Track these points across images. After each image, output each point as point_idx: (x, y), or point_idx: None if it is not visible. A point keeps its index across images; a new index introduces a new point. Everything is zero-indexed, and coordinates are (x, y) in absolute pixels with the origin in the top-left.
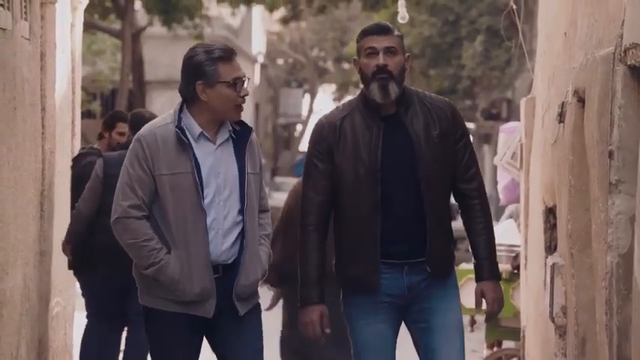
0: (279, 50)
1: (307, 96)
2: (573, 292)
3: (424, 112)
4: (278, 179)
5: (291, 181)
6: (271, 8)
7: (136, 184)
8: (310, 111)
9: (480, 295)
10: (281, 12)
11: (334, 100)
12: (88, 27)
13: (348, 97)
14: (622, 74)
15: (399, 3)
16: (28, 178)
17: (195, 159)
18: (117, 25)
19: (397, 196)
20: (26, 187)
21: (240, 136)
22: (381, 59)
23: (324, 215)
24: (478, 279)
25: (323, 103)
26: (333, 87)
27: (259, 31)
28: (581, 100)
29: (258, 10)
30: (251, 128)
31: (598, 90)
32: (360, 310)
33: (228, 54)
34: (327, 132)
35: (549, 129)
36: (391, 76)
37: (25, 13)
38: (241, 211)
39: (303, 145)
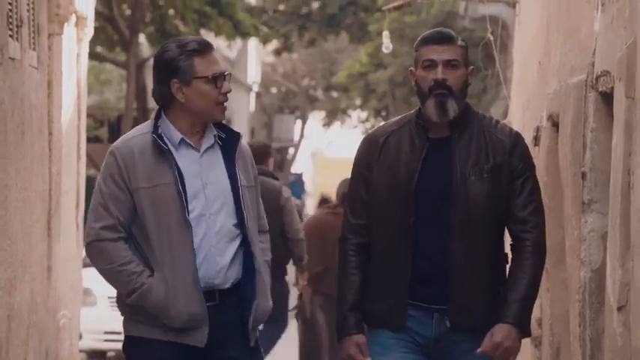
0: (272, 80)
1: (299, 122)
2: (548, 304)
3: (480, 141)
4: None
5: None
6: (265, 41)
7: (110, 203)
8: (301, 136)
9: (490, 339)
10: (274, 44)
11: (324, 125)
12: (95, 58)
13: (337, 124)
14: (594, 100)
15: (384, 34)
16: (35, 198)
17: (178, 168)
18: (122, 57)
19: (430, 230)
20: (34, 207)
21: (228, 143)
22: (439, 73)
23: (364, 239)
24: (498, 319)
25: (313, 128)
26: (322, 113)
27: (254, 62)
28: (555, 125)
29: (253, 43)
30: (239, 134)
31: (571, 115)
32: (381, 347)
33: (203, 46)
34: (369, 147)
35: None
36: (451, 92)
37: (34, 43)
38: (238, 226)
39: (295, 167)
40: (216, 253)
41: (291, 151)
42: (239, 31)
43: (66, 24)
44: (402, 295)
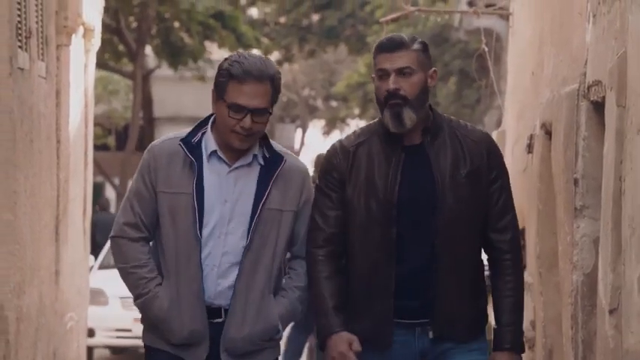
0: None
1: (299, 130)
2: (541, 307)
3: (454, 144)
4: None
5: None
6: (267, 52)
7: (135, 200)
8: (302, 143)
9: None
10: (275, 56)
11: (323, 134)
12: (103, 68)
13: (336, 132)
14: (585, 109)
15: None
16: (44, 204)
17: (200, 179)
18: (129, 68)
19: (413, 241)
20: (42, 213)
21: (271, 165)
22: (391, 83)
23: (337, 247)
24: (496, 347)
25: (313, 136)
26: (322, 122)
27: None
28: (548, 133)
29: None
30: (282, 157)
31: (564, 123)
32: None
33: (244, 75)
34: (340, 159)
35: (519, 159)
36: (406, 101)
37: (42, 54)
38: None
39: None
40: (218, 274)
41: None
42: (242, 42)
43: (74, 35)
44: (387, 313)
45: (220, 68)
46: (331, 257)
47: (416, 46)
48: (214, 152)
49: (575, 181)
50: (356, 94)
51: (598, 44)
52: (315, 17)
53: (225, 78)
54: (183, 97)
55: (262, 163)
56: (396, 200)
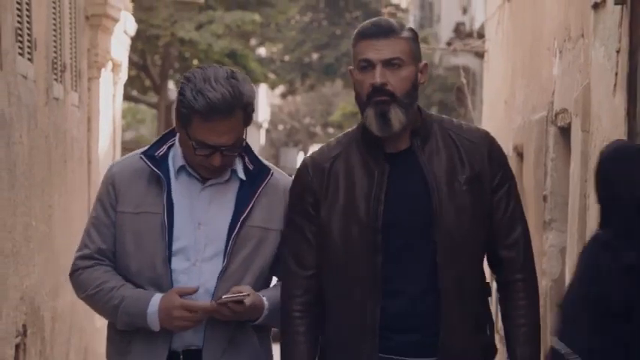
0: (279, 118)
1: (301, 153)
2: None
3: (448, 147)
4: None
5: None
6: (273, 86)
7: (92, 229)
8: None
9: None
10: (281, 89)
11: None
12: (132, 100)
13: None
14: (553, 134)
15: None
16: (76, 218)
17: (170, 198)
18: (154, 99)
19: (406, 267)
20: (74, 225)
21: (255, 178)
22: (377, 76)
23: (313, 295)
24: None
25: None
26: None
27: (264, 103)
28: (520, 155)
29: (263, 88)
30: (269, 170)
31: (534, 146)
32: None
33: (211, 113)
34: (312, 178)
35: None
36: (394, 98)
37: (75, 85)
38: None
39: None
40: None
41: None
42: (251, 77)
43: (103, 69)
44: (370, 348)
45: (182, 92)
46: (308, 309)
47: (406, 33)
48: (183, 167)
49: (544, 198)
50: (350, 122)
51: (564, 76)
52: (315, 56)
53: (187, 110)
54: None
55: (243, 177)
56: (380, 223)
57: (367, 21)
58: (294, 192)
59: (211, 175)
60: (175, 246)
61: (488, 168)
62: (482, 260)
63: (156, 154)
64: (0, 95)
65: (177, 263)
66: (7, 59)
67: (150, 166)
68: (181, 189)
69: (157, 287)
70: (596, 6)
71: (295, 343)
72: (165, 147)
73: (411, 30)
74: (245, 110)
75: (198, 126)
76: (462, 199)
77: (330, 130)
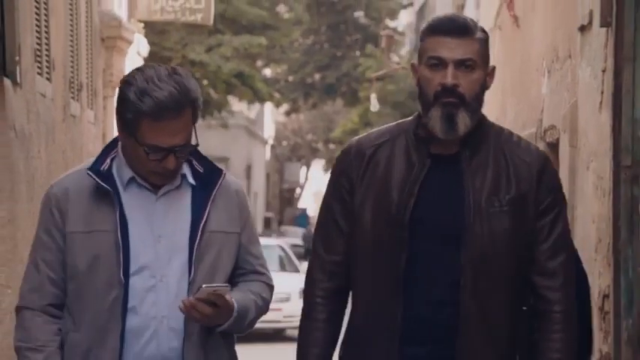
0: (283, 135)
1: (304, 168)
2: None
3: (497, 162)
4: (283, 227)
5: (293, 229)
6: (278, 104)
7: (38, 258)
8: (306, 179)
9: None
10: (285, 107)
11: (324, 170)
12: None
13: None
14: (542, 149)
15: (372, 96)
16: None
17: (122, 213)
18: None
19: (433, 274)
20: None
21: (207, 181)
22: (449, 76)
23: (339, 282)
24: None
25: (315, 173)
26: (322, 161)
27: (269, 120)
28: None
29: (268, 106)
30: (221, 170)
31: None
32: None
33: (160, 113)
34: (351, 161)
35: None
36: (463, 101)
37: (91, 103)
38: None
39: (301, 204)
40: (168, 330)
41: (298, 191)
42: (257, 96)
43: (117, 88)
44: (387, 356)
45: (123, 97)
46: (331, 296)
47: (480, 34)
48: (133, 179)
49: None
50: (350, 139)
51: (552, 95)
52: (317, 76)
53: (134, 114)
54: (209, 140)
55: (193, 182)
56: (408, 218)
57: (440, 15)
58: (333, 174)
59: (164, 181)
60: (136, 264)
61: (536, 190)
62: (518, 285)
63: (101, 168)
64: (20, 112)
65: (140, 282)
66: (26, 78)
67: (98, 182)
68: (134, 202)
69: (110, 312)
70: (582, 28)
71: (312, 330)
72: (108, 160)
73: (484, 31)
74: (193, 107)
75: (148, 129)
76: (500, 220)
77: (332, 146)
